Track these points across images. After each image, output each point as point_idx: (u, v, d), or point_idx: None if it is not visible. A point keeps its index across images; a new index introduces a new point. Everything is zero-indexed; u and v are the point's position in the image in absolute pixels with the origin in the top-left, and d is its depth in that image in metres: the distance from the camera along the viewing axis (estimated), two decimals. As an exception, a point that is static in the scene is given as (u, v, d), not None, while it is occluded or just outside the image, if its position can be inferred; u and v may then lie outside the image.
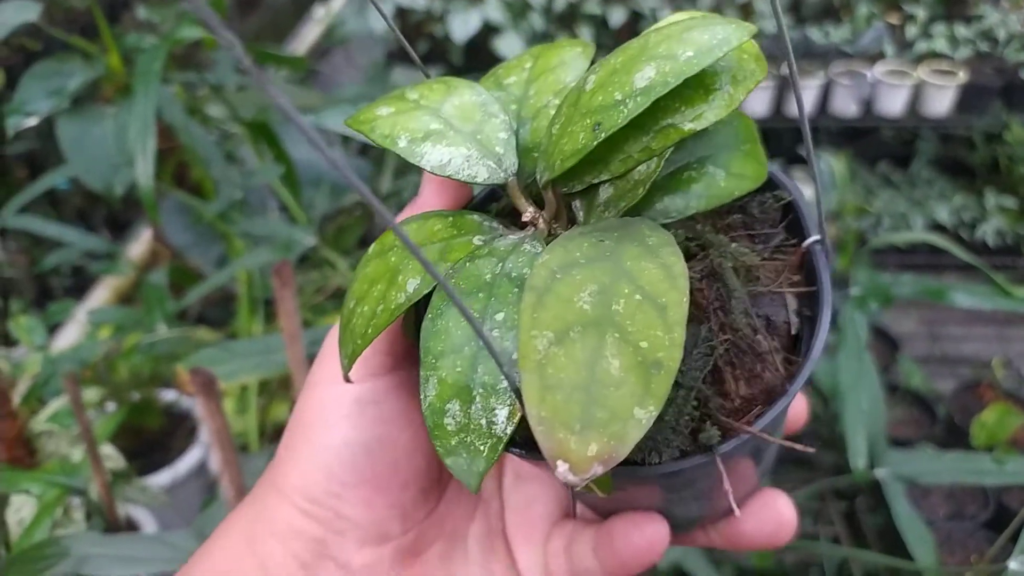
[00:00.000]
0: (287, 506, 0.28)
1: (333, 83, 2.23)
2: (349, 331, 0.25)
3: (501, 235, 0.27)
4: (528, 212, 0.27)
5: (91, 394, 0.87)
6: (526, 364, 0.19)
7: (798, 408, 0.31)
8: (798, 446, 0.25)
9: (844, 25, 1.88)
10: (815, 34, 1.86)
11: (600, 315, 0.20)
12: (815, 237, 0.27)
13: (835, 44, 1.84)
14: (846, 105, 1.84)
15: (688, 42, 0.22)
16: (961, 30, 1.87)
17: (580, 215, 0.27)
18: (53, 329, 1.08)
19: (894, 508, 0.73)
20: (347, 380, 0.25)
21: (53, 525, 0.69)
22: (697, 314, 0.25)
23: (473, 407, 0.22)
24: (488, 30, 1.75)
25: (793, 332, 0.26)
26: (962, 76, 1.80)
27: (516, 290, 0.24)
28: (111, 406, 0.93)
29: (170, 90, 1.00)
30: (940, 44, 1.86)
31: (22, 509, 0.74)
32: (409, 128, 0.27)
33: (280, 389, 0.89)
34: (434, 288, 0.24)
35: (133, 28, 1.68)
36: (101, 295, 1.33)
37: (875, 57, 1.87)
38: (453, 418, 0.22)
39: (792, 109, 1.86)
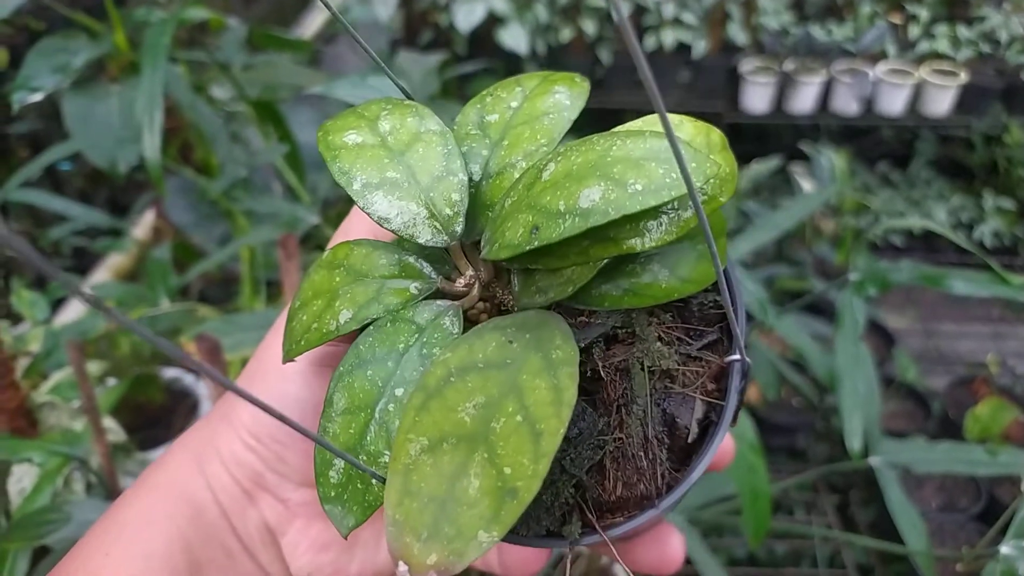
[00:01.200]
0: (234, 437, 0.30)
1: (337, 70, 2.23)
2: (291, 328, 0.27)
3: (432, 292, 0.27)
4: (465, 277, 0.28)
5: (92, 368, 0.88)
6: (395, 466, 0.21)
7: (726, 447, 0.32)
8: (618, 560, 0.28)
9: (847, 24, 1.89)
10: (818, 32, 1.86)
11: (477, 431, 0.21)
12: (734, 357, 0.26)
13: (837, 42, 1.84)
14: (847, 103, 1.85)
15: (643, 172, 0.21)
16: (963, 31, 1.87)
17: (515, 288, 0.27)
18: (56, 306, 1.09)
19: (887, 494, 0.74)
20: (286, 362, 0.27)
21: (54, 495, 0.69)
22: (602, 406, 0.26)
23: (355, 471, 0.24)
24: (492, 20, 1.76)
25: (689, 440, 0.26)
26: (963, 77, 1.81)
27: (420, 369, 0.25)
28: (112, 382, 0.94)
29: (176, 69, 1.01)
30: (942, 44, 1.87)
31: (23, 479, 0.74)
32: (367, 172, 0.27)
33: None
34: (362, 328, 0.26)
35: (142, 7, 1.68)
36: (102, 275, 1.34)
37: (877, 56, 1.88)
38: (337, 473, 0.24)
39: (792, 106, 1.87)
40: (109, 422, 0.86)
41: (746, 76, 1.84)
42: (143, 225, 1.35)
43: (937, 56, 1.87)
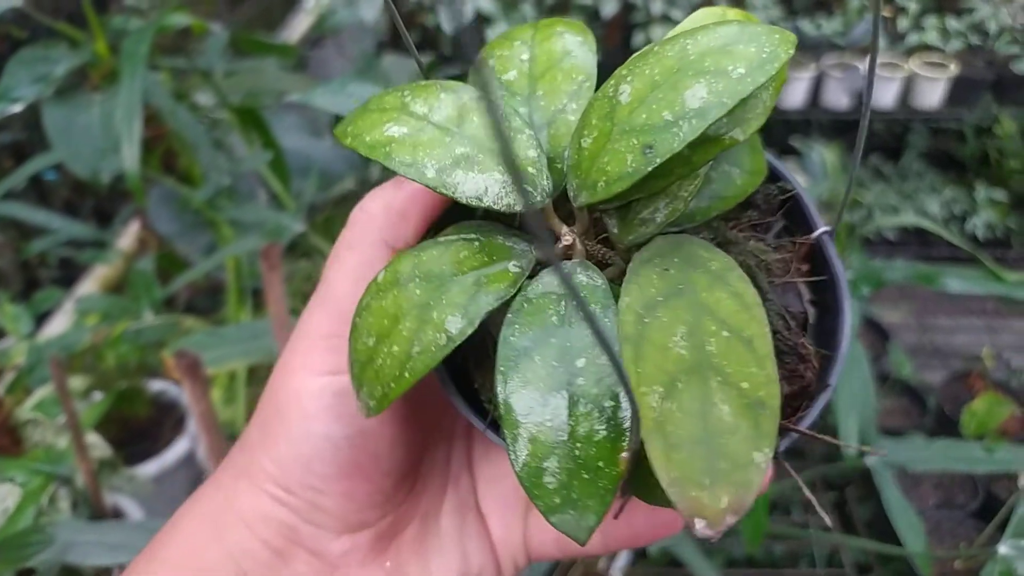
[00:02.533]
0: (259, 492, 0.27)
1: (323, 74, 2.22)
2: (374, 371, 0.23)
3: (534, 262, 0.25)
4: (566, 234, 0.26)
5: (77, 383, 0.86)
6: (647, 424, 0.19)
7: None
8: (833, 440, 0.26)
9: (836, 17, 1.88)
10: (807, 26, 1.86)
11: (698, 359, 0.20)
12: (824, 228, 0.27)
13: (827, 36, 1.84)
14: (837, 98, 1.84)
15: (737, 56, 0.21)
16: (952, 23, 1.87)
17: (614, 230, 0.26)
18: (41, 319, 1.07)
19: (884, 494, 0.73)
20: (378, 414, 0.24)
21: (38, 513, 0.68)
22: None
23: (573, 463, 0.21)
24: (480, 20, 1.75)
25: (811, 322, 0.27)
26: (953, 69, 1.81)
27: (587, 332, 0.23)
28: (98, 396, 0.92)
29: (157, 76, 0.99)
30: (931, 37, 1.86)
31: (7, 499, 0.73)
32: (435, 155, 0.25)
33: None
34: (490, 332, 0.24)
35: (120, 15, 1.67)
36: (89, 286, 1.32)
37: (867, 50, 1.87)
38: (553, 476, 0.21)
39: (783, 101, 1.86)
40: (94, 437, 0.84)
41: (736, 72, 1.83)
42: (128, 235, 1.34)
43: (927, 48, 1.87)
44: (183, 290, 1.11)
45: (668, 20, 1.81)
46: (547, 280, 0.24)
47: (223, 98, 0.86)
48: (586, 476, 0.21)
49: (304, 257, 0.97)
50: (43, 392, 0.82)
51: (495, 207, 0.25)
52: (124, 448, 0.95)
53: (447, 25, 1.75)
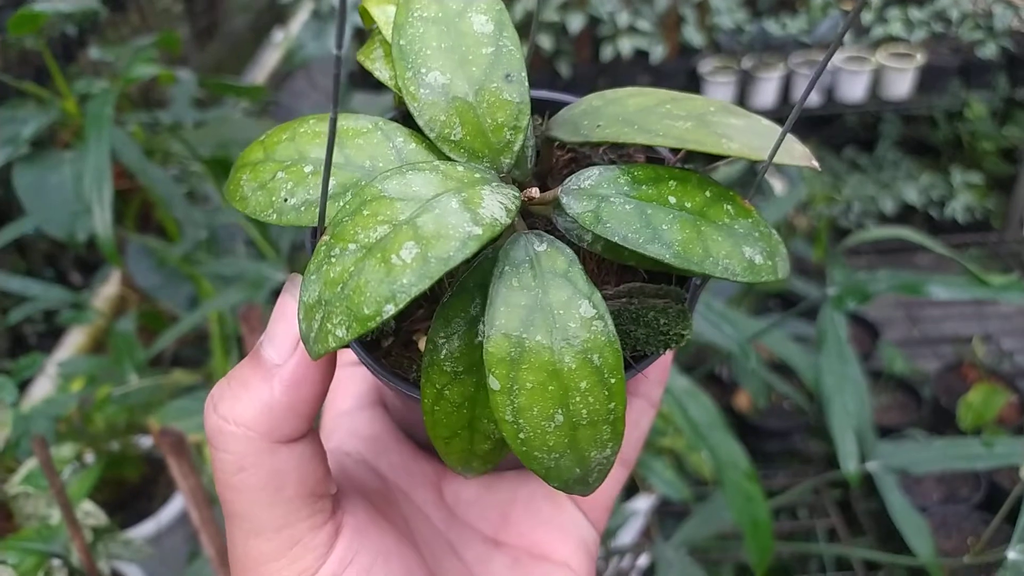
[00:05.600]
0: None
1: (297, 108, 2.22)
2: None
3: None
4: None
5: (66, 451, 0.85)
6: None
7: None
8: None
9: (800, 16, 1.89)
10: (772, 27, 1.87)
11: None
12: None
13: (793, 35, 1.85)
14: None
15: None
16: (915, 12, 1.89)
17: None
18: (24, 384, 1.06)
19: (888, 501, 0.73)
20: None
21: (35, 592, 0.66)
22: None
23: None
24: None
25: None
26: (919, 58, 1.82)
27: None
28: (89, 457, 0.91)
29: (128, 130, 0.99)
30: (896, 28, 1.88)
31: (1, 578, 0.71)
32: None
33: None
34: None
35: (89, 67, 1.66)
36: (76, 339, 1.31)
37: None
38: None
39: (754, 102, 1.87)
40: (88, 506, 0.83)
41: (706, 77, 1.84)
42: (112, 284, 1.32)
43: (892, 40, 1.88)
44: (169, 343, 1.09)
45: (635, 31, 1.82)
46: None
47: (194, 152, 0.85)
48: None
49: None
50: (32, 463, 0.81)
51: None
52: (119, 511, 0.93)
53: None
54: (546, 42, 1.79)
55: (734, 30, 1.87)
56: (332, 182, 0.22)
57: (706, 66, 1.85)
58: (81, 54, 1.85)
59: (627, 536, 0.85)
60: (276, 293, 0.93)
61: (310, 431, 0.24)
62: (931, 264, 1.88)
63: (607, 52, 1.83)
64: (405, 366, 0.25)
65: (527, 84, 0.24)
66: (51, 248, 1.60)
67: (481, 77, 0.23)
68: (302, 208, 0.22)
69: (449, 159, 0.23)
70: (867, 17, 1.89)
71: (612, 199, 0.21)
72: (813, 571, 1.08)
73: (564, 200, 0.22)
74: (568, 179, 0.22)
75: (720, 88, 1.84)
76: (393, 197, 0.20)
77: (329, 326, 0.18)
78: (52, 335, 1.39)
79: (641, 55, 1.85)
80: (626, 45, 1.81)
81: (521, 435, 0.20)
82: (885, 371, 1.28)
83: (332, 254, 0.19)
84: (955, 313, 1.65)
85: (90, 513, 0.83)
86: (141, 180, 0.84)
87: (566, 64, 1.85)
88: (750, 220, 0.22)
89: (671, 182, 0.22)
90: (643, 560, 0.71)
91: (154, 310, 1.04)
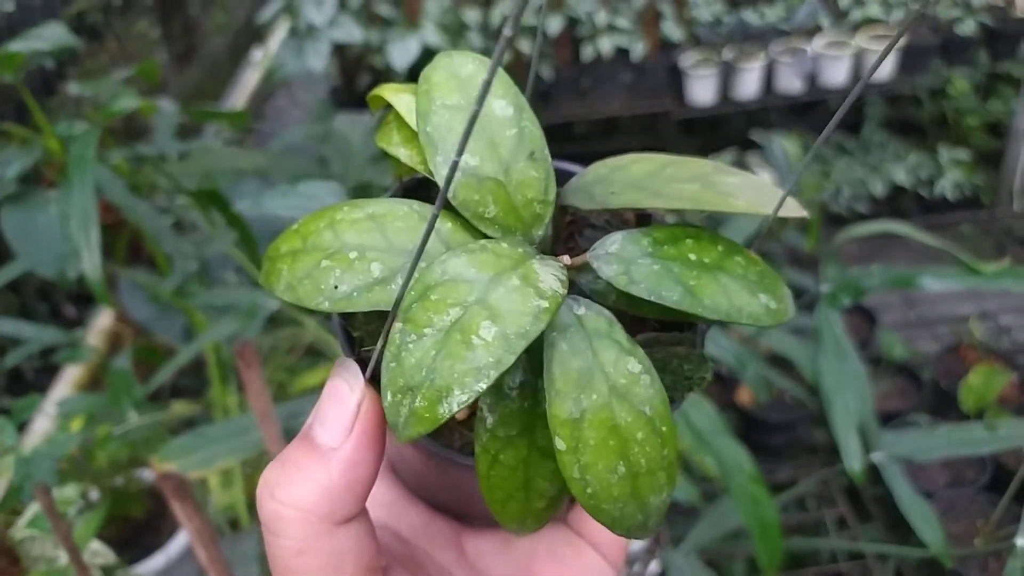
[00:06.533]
0: None
1: (280, 125, 2.21)
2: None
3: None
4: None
5: (70, 491, 0.85)
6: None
7: None
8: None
9: (778, 4, 1.90)
10: (751, 16, 1.87)
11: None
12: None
13: (772, 24, 1.85)
14: (790, 82, 1.86)
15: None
16: (892, -6, 1.89)
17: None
18: (23, 423, 1.05)
19: (895, 491, 0.73)
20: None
21: (46, 637, 0.66)
22: None
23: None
24: (428, 54, 1.74)
25: None
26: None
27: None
28: (94, 493, 0.91)
29: (112, 164, 0.98)
30: (874, 10, 1.88)
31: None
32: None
33: (264, 457, 0.87)
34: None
35: (69, 101, 1.65)
36: (73, 374, 1.30)
37: (812, 31, 1.89)
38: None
39: (738, 93, 1.87)
40: (96, 545, 0.83)
41: (688, 71, 1.84)
42: (108, 316, 1.32)
43: (871, 22, 1.88)
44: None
45: (614, 29, 1.82)
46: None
47: (178, 185, 0.84)
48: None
49: (288, 323, 0.95)
50: (37, 507, 0.80)
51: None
52: (127, 548, 0.93)
53: (398, 62, 1.75)
54: (526, 46, 1.79)
55: (713, 22, 1.87)
56: (378, 266, 0.23)
57: (687, 60, 1.85)
58: (60, 87, 1.84)
59: (636, 543, 0.85)
60: (270, 321, 0.92)
61: (363, 509, 0.24)
62: (924, 248, 1.89)
63: (587, 52, 1.83)
64: (446, 436, 0.26)
65: (550, 160, 0.26)
66: (44, 283, 1.59)
67: (508, 157, 0.25)
68: (354, 294, 0.23)
69: (485, 235, 0.25)
70: (845, 1, 1.89)
71: (639, 261, 0.23)
72: (824, 561, 1.08)
73: (596, 265, 0.23)
74: (595, 246, 0.24)
75: (702, 81, 1.84)
76: (456, 280, 0.21)
77: (420, 410, 0.19)
78: (50, 371, 1.38)
79: (622, 53, 1.85)
80: (606, 44, 1.81)
81: (588, 490, 0.21)
82: (885, 357, 1.28)
83: (408, 340, 0.20)
84: (951, 293, 1.65)
85: (98, 552, 0.82)
86: (128, 216, 0.84)
87: (547, 66, 1.85)
88: (759, 269, 0.24)
89: (687, 240, 0.24)
90: (653, 567, 0.71)
91: (149, 344, 1.04)
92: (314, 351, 0.95)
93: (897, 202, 2.04)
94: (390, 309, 0.22)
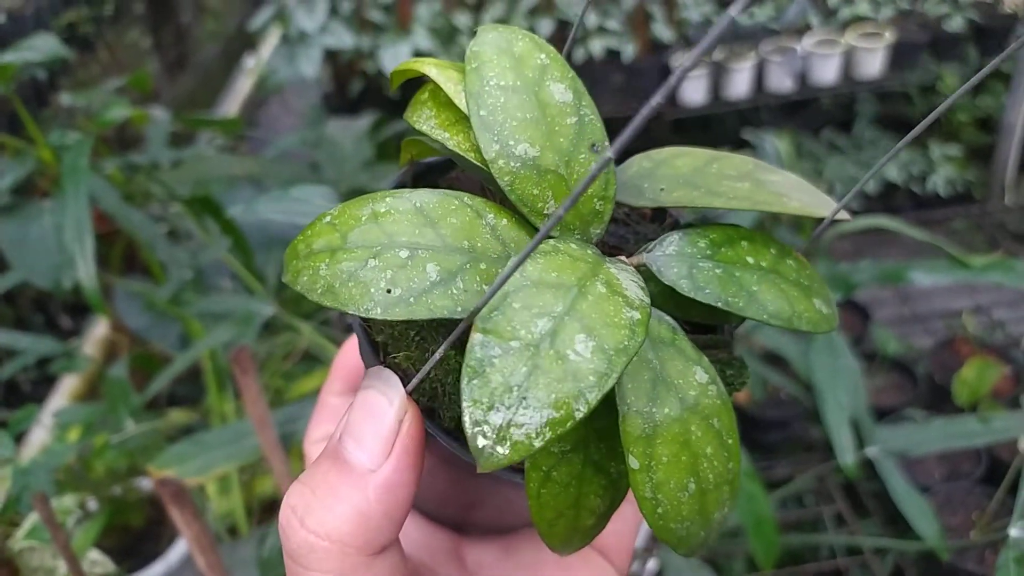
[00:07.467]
0: None
1: (273, 131, 2.21)
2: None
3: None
4: None
5: (68, 501, 0.85)
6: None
7: None
8: None
9: (768, 4, 1.91)
10: (740, 16, 1.88)
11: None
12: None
13: (761, 24, 1.86)
14: (781, 81, 1.86)
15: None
16: (880, -9, 1.90)
17: None
18: (20, 436, 1.05)
19: (890, 485, 0.73)
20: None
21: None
22: None
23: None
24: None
25: None
26: (889, 36, 1.83)
27: None
28: (92, 503, 0.90)
29: (106, 173, 0.98)
30: (863, 8, 1.89)
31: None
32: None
33: (262, 462, 0.87)
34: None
35: (62, 111, 1.65)
36: (70, 383, 1.30)
37: (802, 30, 1.89)
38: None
39: (729, 93, 1.88)
40: (95, 555, 0.83)
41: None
42: (104, 324, 1.32)
43: (860, 20, 1.89)
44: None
45: (605, 31, 1.83)
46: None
47: (172, 193, 0.85)
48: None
49: (284, 330, 0.95)
50: (35, 517, 0.80)
51: None
52: (127, 557, 0.93)
53: (390, 67, 1.75)
54: (517, 49, 1.80)
55: (703, 23, 1.88)
56: (434, 268, 0.20)
57: (678, 61, 1.86)
58: (53, 97, 1.84)
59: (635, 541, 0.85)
60: (266, 328, 0.92)
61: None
62: (916, 244, 1.90)
63: (579, 54, 1.84)
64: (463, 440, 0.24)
65: (611, 153, 0.24)
66: (39, 294, 1.59)
67: (569, 148, 0.23)
68: (411, 300, 0.20)
69: (536, 231, 0.23)
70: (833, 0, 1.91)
71: (700, 264, 0.22)
72: (823, 557, 1.08)
73: (656, 268, 0.22)
74: (650, 246, 0.22)
75: (693, 82, 1.85)
76: (539, 286, 0.19)
77: (511, 435, 0.17)
78: (46, 382, 1.38)
79: (613, 55, 1.86)
80: (597, 46, 1.82)
81: (659, 510, 0.20)
82: (879, 353, 1.28)
83: (492, 354, 0.18)
84: (945, 287, 1.66)
85: (97, 562, 0.82)
86: (122, 225, 0.84)
87: (539, 69, 1.86)
88: (809, 272, 0.23)
89: (742, 242, 0.23)
90: (652, 564, 0.71)
91: (146, 352, 1.04)
92: (310, 357, 0.96)
93: (890, 198, 2.05)
94: (454, 318, 0.19)
